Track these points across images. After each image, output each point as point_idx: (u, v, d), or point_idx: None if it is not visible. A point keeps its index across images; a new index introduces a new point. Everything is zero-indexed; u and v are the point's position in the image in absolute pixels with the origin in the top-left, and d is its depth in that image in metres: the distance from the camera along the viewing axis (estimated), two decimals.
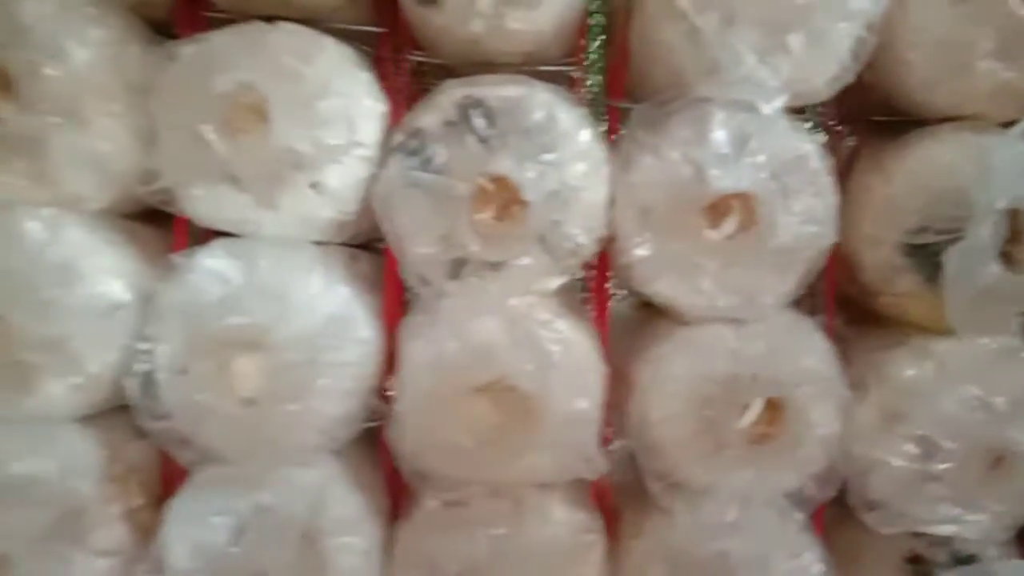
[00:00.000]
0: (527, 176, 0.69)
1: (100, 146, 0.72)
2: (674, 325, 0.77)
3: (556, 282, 0.75)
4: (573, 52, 0.86)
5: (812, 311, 0.81)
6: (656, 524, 0.78)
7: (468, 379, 0.71)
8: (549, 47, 0.79)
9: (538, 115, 0.71)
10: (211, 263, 0.71)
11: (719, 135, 0.69)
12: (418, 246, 0.73)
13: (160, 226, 0.83)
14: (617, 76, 0.84)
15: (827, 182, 0.73)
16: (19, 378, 0.71)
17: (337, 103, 0.71)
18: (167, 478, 0.79)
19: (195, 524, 0.73)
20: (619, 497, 0.83)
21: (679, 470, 0.76)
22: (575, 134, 0.72)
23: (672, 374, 0.75)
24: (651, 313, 0.86)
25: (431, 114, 0.72)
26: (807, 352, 0.75)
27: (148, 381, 0.71)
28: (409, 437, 0.73)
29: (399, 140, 0.73)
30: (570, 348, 0.72)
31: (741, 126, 0.70)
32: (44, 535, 0.70)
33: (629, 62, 0.82)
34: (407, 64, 0.83)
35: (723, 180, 0.68)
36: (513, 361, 0.70)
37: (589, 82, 0.89)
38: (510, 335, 0.71)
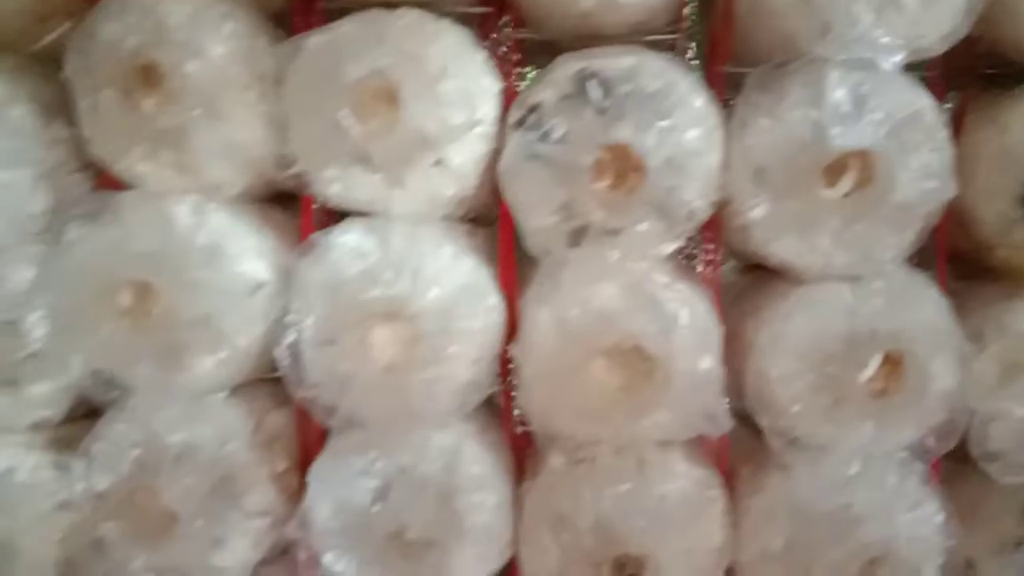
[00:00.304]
0: (646, 144, 0.72)
1: (237, 135, 0.77)
2: (790, 284, 0.79)
3: (672, 247, 0.77)
4: (673, 20, 0.87)
5: (923, 266, 0.82)
6: (776, 480, 0.80)
7: (592, 342, 0.74)
8: (656, 17, 0.81)
9: (653, 83, 0.73)
10: (348, 240, 0.75)
11: (837, 94, 0.70)
12: (539, 217, 0.76)
13: (284, 208, 0.88)
14: (720, 42, 0.85)
15: (944, 137, 0.73)
16: (174, 355, 0.76)
17: (458, 84, 0.74)
18: (304, 444, 0.84)
19: (338, 485, 0.78)
20: (733, 454, 0.85)
21: (799, 426, 0.78)
22: (689, 100, 0.74)
23: (791, 332, 0.77)
24: (758, 276, 0.88)
25: (548, 89, 0.75)
26: (924, 306, 0.76)
27: (294, 353, 0.76)
28: (535, 399, 0.77)
29: (518, 116, 0.76)
30: (691, 309, 0.74)
31: (859, 84, 0.71)
32: (205, 497, 0.76)
33: (733, 27, 0.83)
34: (512, 42, 0.86)
35: (843, 138, 0.70)
36: (638, 324, 0.73)
37: (689, 49, 0.90)
38: (633, 299, 0.74)
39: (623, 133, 0.71)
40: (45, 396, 0.84)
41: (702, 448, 0.83)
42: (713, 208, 0.78)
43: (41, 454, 0.84)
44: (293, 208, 0.85)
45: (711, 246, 0.84)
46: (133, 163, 0.77)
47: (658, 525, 0.75)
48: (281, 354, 0.75)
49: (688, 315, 0.73)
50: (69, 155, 0.82)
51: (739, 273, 0.98)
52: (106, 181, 0.82)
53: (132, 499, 0.77)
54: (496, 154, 0.78)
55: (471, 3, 0.84)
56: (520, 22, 0.86)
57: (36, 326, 0.80)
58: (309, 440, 0.84)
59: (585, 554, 0.75)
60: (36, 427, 0.85)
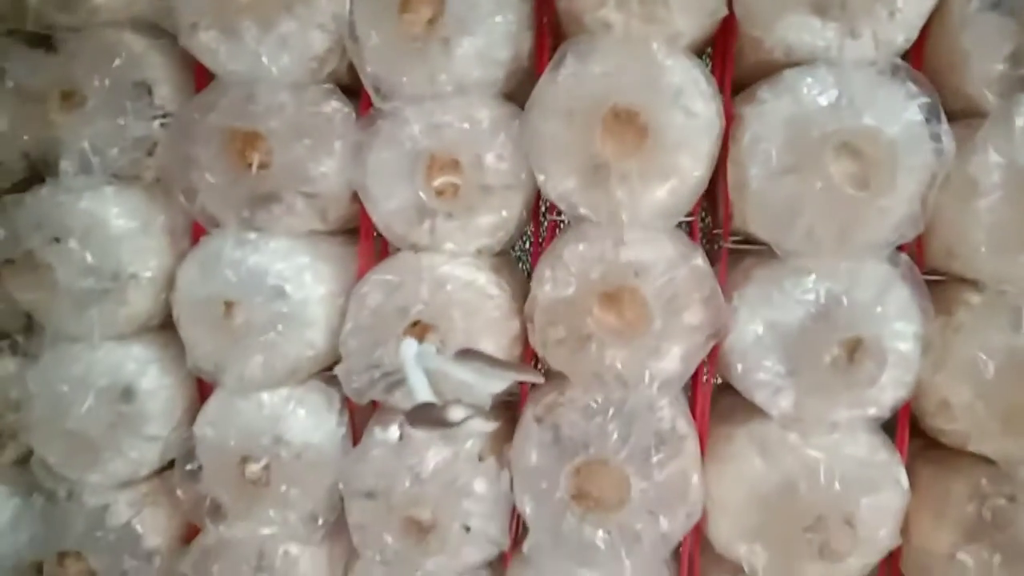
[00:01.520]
0: None
1: None
2: None
3: None
4: None
5: None
6: None
7: None
8: None
9: None
10: (810, 80, 0.83)
11: None
12: (988, 63, 0.82)
13: None
14: None
15: None
16: (640, 181, 0.86)
17: None
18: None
19: (770, 306, 0.88)
20: None
21: None
22: None
23: None
24: None
25: None
26: None
27: (747, 183, 0.85)
28: (981, 242, 0.83)
29: None
30: None
31: None
32: (655, 310, 0.87)
33: None
34: None
35: None
36: None
37: None
38: None
39: None
40: (490, 226, 0.96)
41: None
42: None
43: (487, 274, 0.97)
44: None
45: None
46: (607, 12, 0.87)
47: None
48: (739, 182, 0.85)
49: None
50: (528, 14, 0.94)
51: None
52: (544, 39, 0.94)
53: (583, 308, 0.88)
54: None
55: None
56: None
57: (496, 162, 0.93)
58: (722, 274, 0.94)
59: None
60: (479, 252, 0.98)
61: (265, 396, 1.03)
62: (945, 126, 0.82)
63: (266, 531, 1.03)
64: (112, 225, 1.00)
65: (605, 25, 0.88)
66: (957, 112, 0.87)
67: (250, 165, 0.96)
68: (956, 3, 0.83)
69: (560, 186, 0.88)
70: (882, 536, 0.88)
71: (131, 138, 0.99)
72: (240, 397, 1.03)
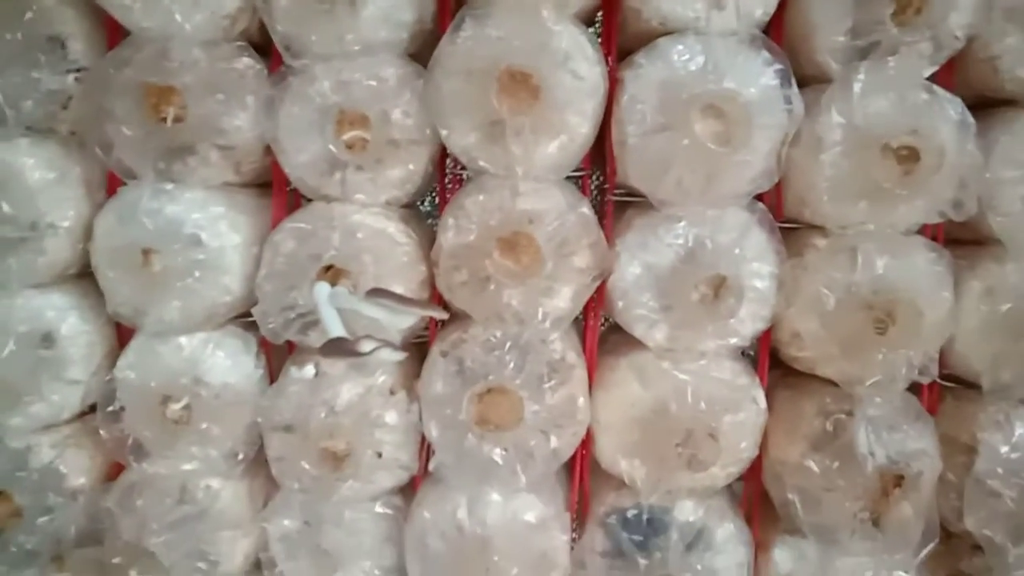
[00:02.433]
0: None
1: None
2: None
3: (931, 71, 0.95)
4: None
5: None
6: None
7: (879, 140, 0.92)
8: None
9: None
10: (680, 47, 0.94)
11: None
12: (833, 34, 0.94)
13: None
14: None
15: None
16: (530, 135, 0.95)
17: None
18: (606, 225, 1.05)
19: (646, 250, 0.99)
20: None
21: None
22: None
23: None
24: None
25: None
26: None
27: (626, 140, 0.95)
28: (824, 190, 0.95)
29: None
30: (953, 111, 0.93)
31: None
32: (547, 253, 0.97)
33: None
34: None
35: None
36: (920, 123, 0.91)
37: None
38: (914, 103, 0.92)
39: None
40: (398, 179, 1.04)
41: None
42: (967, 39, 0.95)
43: (396, 223, 1.05)
44: None
45: None
46: None
47: (921, 284, 0.95)
48: (618, 143, 0.95)
49: (955, 114, 0.92)
50: None
51: None
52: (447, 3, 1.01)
53: (483, 252, 0.98)
54: None
55: None
56: None
57: (402, 118, 1.00)
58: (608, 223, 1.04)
59: (859, 305, 0.94)
60: (388, 204, 1.06)
61: (184, 339, 1.08)
62: (795, 90, 0.94)
63: (188, 467, 1.09)
64: (28, 176, 1.03)
65: None
66: (808, 78, 0.99)
67: (164, 119, 1.00)
68: None
69: (461, 141, 0.96)
70: (742, 448, 1.01)
71: (45, 91, 1.02)
72: (160, 341, 1.08)
